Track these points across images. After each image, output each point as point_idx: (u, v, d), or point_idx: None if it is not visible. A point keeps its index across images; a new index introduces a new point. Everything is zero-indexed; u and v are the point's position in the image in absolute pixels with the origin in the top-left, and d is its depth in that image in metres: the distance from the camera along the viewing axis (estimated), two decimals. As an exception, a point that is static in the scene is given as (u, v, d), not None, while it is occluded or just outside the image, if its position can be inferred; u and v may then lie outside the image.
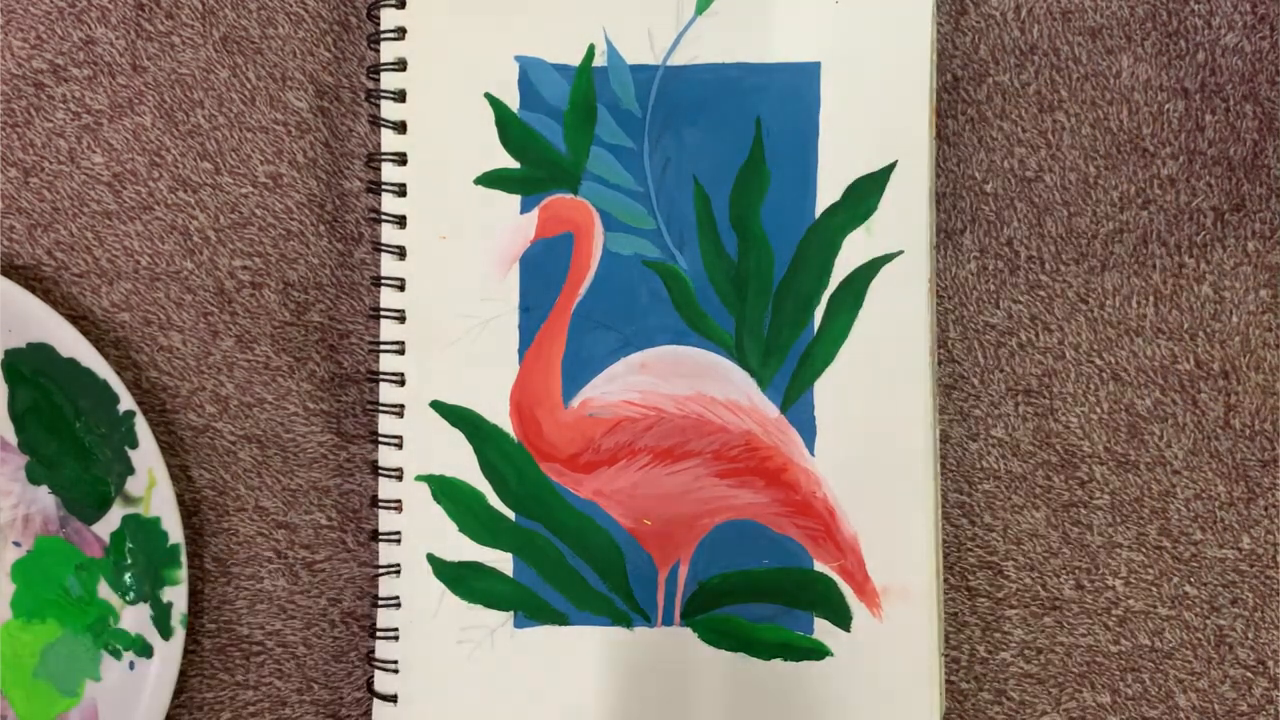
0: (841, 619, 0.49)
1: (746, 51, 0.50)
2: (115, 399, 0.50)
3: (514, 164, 0.50)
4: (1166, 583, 0.51)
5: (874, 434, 0.49)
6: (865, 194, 0.49)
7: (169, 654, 0.50)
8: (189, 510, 0.52)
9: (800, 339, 0.49)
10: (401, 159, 0.50)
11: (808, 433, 0.50)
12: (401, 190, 0.50)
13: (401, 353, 0.50)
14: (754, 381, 0.50)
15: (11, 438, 0.50)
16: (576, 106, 0.50)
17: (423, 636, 0.50)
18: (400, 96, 0.50)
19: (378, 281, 0.50)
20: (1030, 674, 0.51)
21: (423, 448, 0.50)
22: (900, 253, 0.49)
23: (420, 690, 0.50)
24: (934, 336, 0.49)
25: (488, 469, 0.50)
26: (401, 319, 0.50)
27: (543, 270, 0.50)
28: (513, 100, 0.50)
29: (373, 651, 0.50)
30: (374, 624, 0.50)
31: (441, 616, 0.50)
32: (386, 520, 0.50)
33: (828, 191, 0.49)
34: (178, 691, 0.51)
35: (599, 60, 0.50)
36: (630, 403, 0.50)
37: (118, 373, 0.50)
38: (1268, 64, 0.51)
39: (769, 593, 0.50)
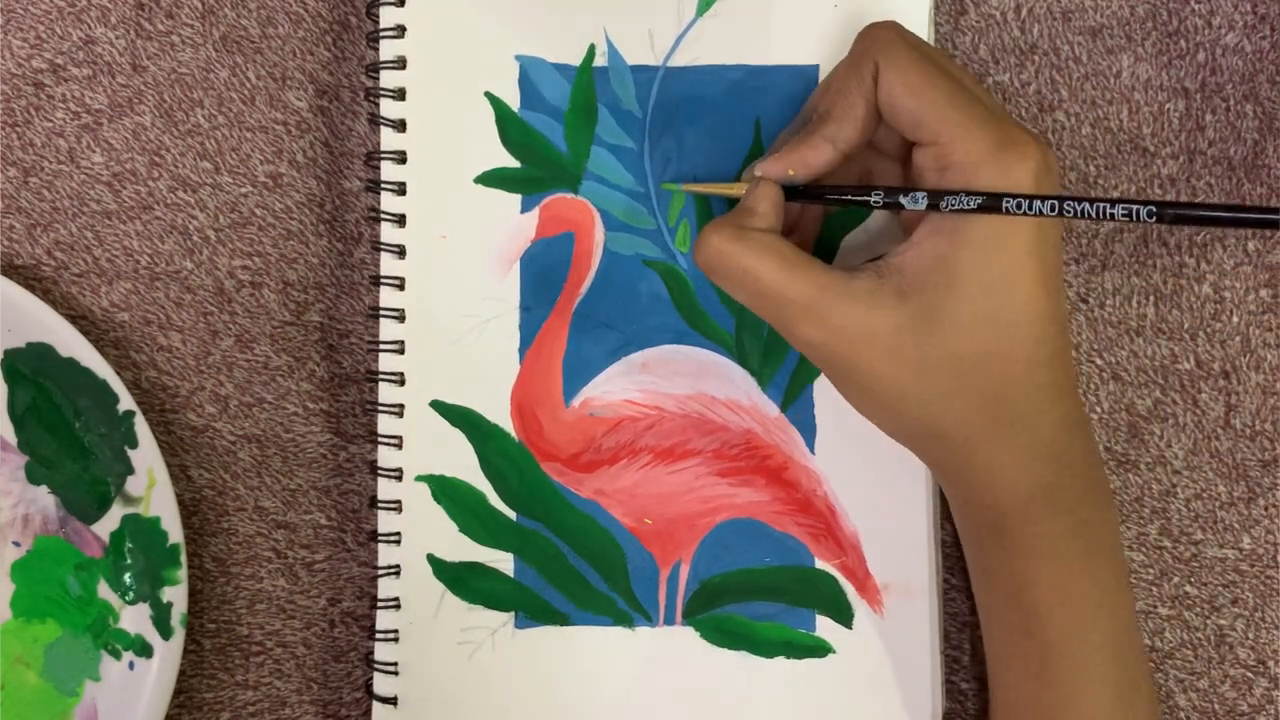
0: (843, 616, 0.49)
1: (746, 53, 0.50)
2: (115, 399, 0.49)
3: (514, 163, 0.50)
4: (1166, 583, 0.51)
5: (873, 432, 0.49)
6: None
7: (169, 654, 0.49)
8: (189, 510, 0.52)
9: (801, 338, 0.49)
10: (401, 158, 0.50)
11: (808, 431, 0.50)
12: (401, 189, 0.50)
13: (401, 352, 0.50)
14: (754, 380, 0.50)
15: (11, 438, 0.50)
16: (577, 106, 0.50)
17: (423, 638, 0.50)
18: (400, 95, 0.50)
19: (377, 281, 0.50)
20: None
21: (423, 448, 0.50)
22: (901, 252, 0.49)
23: (420, 692, 0.50)
24: (934, 336, 0.49)
25: (488, 469, 0.50)
26: (401, 318, 0.50)
27: (543, 270, 0.50)
28: (513, 99, 0.50)
29: (372, 653, 0.50)
30: (373, 625, 0.50)
31: (442, 617, 0.50)
32: (386, 521, 0.50)
33: (828, 191, 0.50)
34: (178, 691, 0.51)
35: (600, 60, 0.50)
36: (631, 402, 0.50)
37: (117, 373, 0.50)
38: (1268, 64, 0.51)
39: (770, 591, 0.50)
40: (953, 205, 0.41)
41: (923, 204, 0.42)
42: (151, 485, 0.50)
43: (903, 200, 0.43)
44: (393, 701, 0.50)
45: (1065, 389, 0.43)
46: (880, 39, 0.43)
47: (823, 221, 0.49)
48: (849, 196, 0.44)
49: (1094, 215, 0.41)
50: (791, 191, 0.45)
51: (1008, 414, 0.43)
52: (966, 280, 0.42)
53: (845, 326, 0.42)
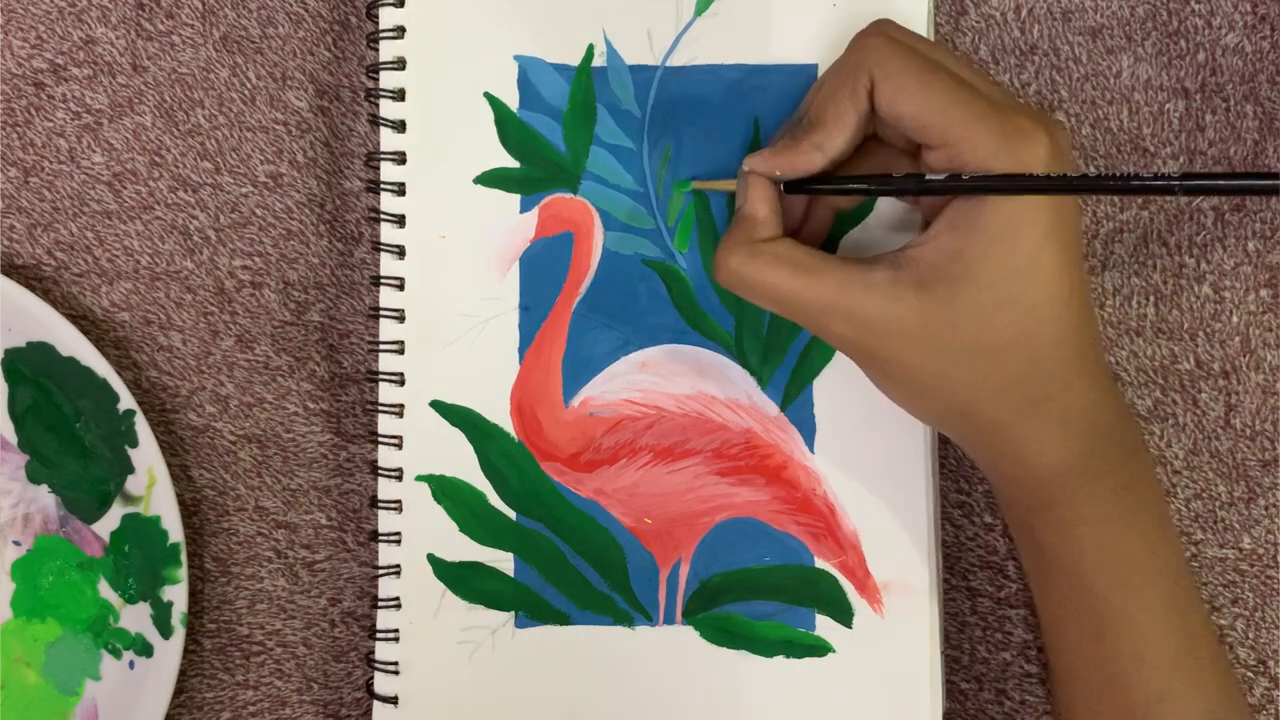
0: (843, 615, 0.49)
1: (745, 53, 0.50)
2: (115, 398, 0.49)
3: (513, 163, 0.50)
4: (1167, 583, 0.51)
5: (873, 431, 0.49)
6: (864, 193, 0.49)
7: (169, 653, 0.50)
8: (189, 510, 0.52)
9: (799, 337, 0.49)
10: (401, 158, 0.50)
11: (807, 430, 0.50)
12: (401, 189, 0.50)
13: (401, 352, 0.50)
14: (754, 380, 0.50)
15: (11, 437, 0.50)
16: (576, 106, 0.50)
17: (423, 637, 0.50)
18: (400, 95, 0.50)
19: (377, 281, 0.50)
20: (1031, 674, 0.51)
21: (423, 448, 0.50)
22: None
23: (421, 691, 0.50)
24: (934, 335, 0.49)
25: (488, 468, 0.50)
26: (401, 318, 0.50)
27: (542, 270, 0.50)
28: (512, 100, 0.50)
29: (372, 653, 0.50)
30: (374, 625, 0.50)
31: (442, 617, 0.50)
32: (386, 520, 0.50)
33: (827, 191, 0.49)
34: (178, 691, 0.51)
35: (598, 60, 0.50)
36: (631, 401, 0.50)
37: (118, 372, 0.50)
38: (1268, 64, 0.51)
39: (770, 590, 0.50)
40: (972, 186, 0.42)
41: (940, 180, 0.43)
42: (152, 484, 0.50)
43: (917, 184, 0.43)
44: (393, 701, 0.50)
45: (1091, 357, 0.44)
46: (873, 49, 0.44)
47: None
48: (857, 186, 0.45)
49: (1112, 190, 0.41)
50: (799, 184, 0.45)
51: (1038, 391, 0.43)
52: (987, 270, 0.42)
53: (870, 320, 0.43)
